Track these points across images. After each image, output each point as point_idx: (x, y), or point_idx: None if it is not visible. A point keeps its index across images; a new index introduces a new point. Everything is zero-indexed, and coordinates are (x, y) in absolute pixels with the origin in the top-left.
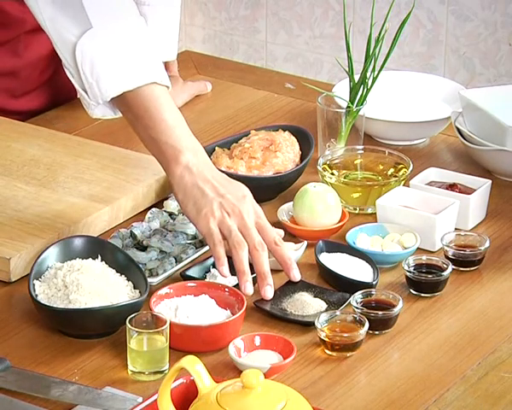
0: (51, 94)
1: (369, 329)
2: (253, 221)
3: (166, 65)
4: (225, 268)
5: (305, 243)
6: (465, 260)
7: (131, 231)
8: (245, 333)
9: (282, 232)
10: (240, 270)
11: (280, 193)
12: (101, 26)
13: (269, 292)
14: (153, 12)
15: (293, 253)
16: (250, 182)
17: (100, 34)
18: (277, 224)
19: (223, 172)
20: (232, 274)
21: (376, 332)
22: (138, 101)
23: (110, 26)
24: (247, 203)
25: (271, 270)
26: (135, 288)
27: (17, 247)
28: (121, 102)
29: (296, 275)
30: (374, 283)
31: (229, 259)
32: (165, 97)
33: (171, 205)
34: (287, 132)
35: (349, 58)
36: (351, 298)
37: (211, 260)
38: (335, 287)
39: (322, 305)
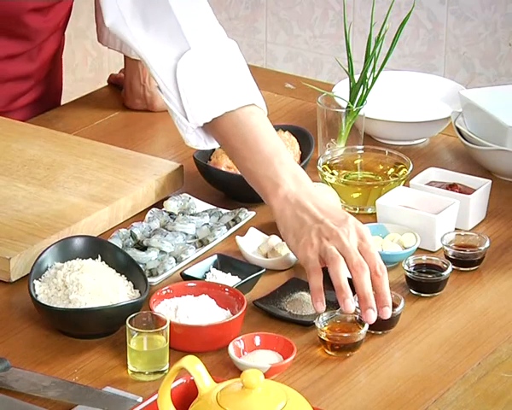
0: (43, 90)
1: (371, 329)
2: (355, 243)
3: None
4: (320, 304)
5: None
6: (465, 260)
7: (131, 231)
8: (245, 333)
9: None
10: (336, 285)
11: None
12: (199, 46)
13: (370, 316)
14: None
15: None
16: None
17: (199, 55)
18: None
19: (226, 173)
20: (232, 274)
21: (379, 332)
22: (236, 128)
23: (208, 47)
24: (349, 225)
25: (271, 270)
26: (135, 288)
27: (17, 247)
28: (219, 128)
29: (387, 313)
30: None
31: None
32: (263, 125)
33: (171, 205)
34: (287, 132)
35: (349, 58)
36: None
37: (211, 260)
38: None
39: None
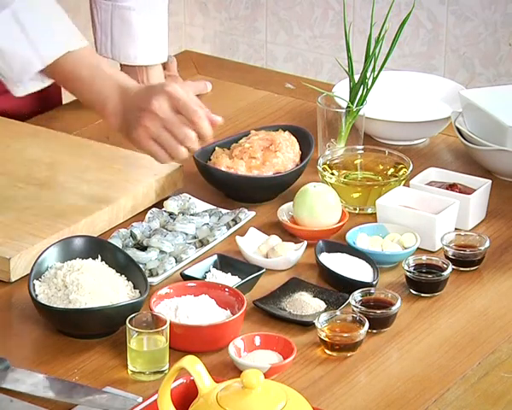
0: (32, 95)
1: (368, 327)
2: (167, 109)
3: (166, 65)
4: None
5: (305, 242)
6: (465, 260)
7: (131, 231)
8: (245, 333)
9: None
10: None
11: (280, 193)
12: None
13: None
14: (139, 17)
15: (294, 253)
16: (250, 182)
17: (4, 19)
18: (277, 224)
19: (226, 173)
20: (232, 274)
21: (374, 331)
22: (55, 74)
23: (8, 11)
24: (156, 96)
25: (271, 270)
26: (135, 288)
27: (17, 247)
28: (42, 78)
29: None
30: (374, 283)
31: (223, 257)
32: (76, 59)
33: (171, 205)
34: (287, 132)
35: (349, 58)
36: (350, 297)
37: (211, 260)
38: (335, 287)
39: (322, 305)
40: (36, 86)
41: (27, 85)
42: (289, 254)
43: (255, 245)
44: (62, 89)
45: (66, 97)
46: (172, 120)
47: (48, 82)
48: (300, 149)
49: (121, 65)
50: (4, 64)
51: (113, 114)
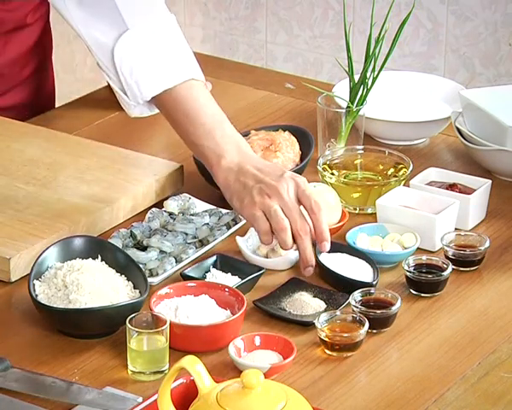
0: (32, 90)
1: (368, 327)
2: (293, 196)
3: None
4: (269, 240)
5: None
6: (465, 260)
7: (131, 231)
8: (245, 333)
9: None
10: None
11: None
12: (136, 27)
13: (310, 271)
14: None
15: (294, 253)
16: None
17: (136, 36)
18: None
19: None
20: (232, 274)
21: (374, 331)
22: (177, 104)
23: (145, 27)
24: (286, 179)
25: (271, 270)
26: (135, 288)
27: (17, 247)
28: (161, 104)
29: (325, 247)
30: (374, 283)
31: (226, 260)
32: (203, 97)
33: (171, 205)
34: (287, 132)
35: (349, 58)
36: (350, 297)
37: (211, 260)
38: (335, 287)
39: (322, 305)
40: (149, 111)
41: (143, 108)
42: (289, 254)
43: (255, 245)
44: (56, 91)
45: (61, 100)
46: (295, 205)
47: (155, 110)
48: (300, 149)
49: None
50: (131, 79)
51: (226, 170)
